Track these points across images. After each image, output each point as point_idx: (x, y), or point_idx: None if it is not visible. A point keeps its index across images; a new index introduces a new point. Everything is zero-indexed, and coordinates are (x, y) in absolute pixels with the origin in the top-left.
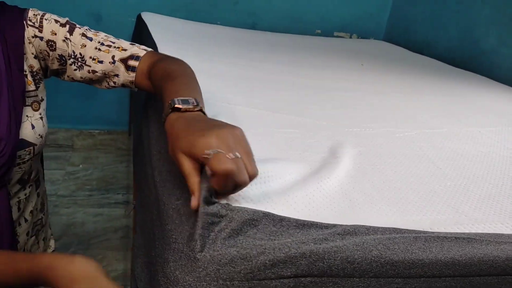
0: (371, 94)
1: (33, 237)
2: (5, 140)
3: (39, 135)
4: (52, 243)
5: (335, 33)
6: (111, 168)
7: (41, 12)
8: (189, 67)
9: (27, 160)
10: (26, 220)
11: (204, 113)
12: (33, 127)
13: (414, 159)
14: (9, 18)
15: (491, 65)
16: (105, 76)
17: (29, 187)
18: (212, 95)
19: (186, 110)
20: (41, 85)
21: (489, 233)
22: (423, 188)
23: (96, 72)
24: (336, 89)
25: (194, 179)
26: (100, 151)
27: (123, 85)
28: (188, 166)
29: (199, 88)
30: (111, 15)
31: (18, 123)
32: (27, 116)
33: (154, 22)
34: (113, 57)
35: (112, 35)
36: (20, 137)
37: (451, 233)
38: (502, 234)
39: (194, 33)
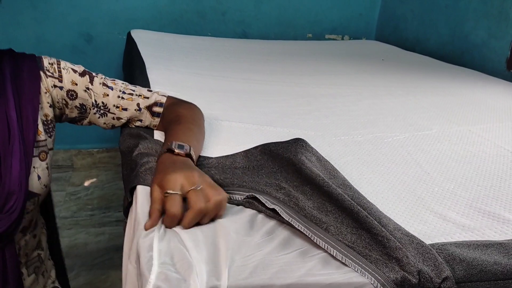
0: (363, 98)
1: (33, 275)
2: (17, 195)
3: (44, 185)
4: (53, 273)
5: (327, 36)
6: (112, 186)
7: (55, 60)
8: (199, 112)
9: (31, 210)
10: (20, 263)
11: (193, 159)
12: (39, 177)
13: (402, 164)
14: (24, 67)
15: (482, 59)
16: (129, 121)
17: (29, 233)
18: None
19: (178, 154)
20: (54, 134)
21: None
22: (411, 197)
23: (121, 119)
24: (327, 95)
25: (155, 206)
26: (100, 169)
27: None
28: (156, 195)
29: (201, 134)
30: (101, 34)
31: (28, 175)
32: (33, 167)
33: (144, 39)
34: (138, 104)
35: (104, 54)
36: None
37: None
38: None
39: (184, 47)
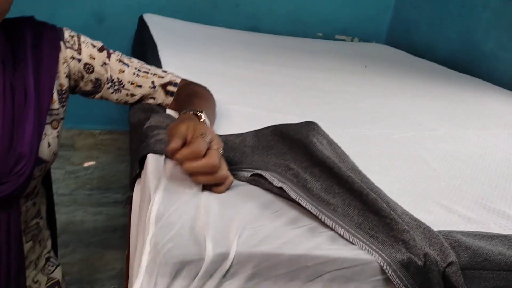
0: (371, 96)
1: (30, 242)
2: (27, 158)
3: (53, 153)
4: (49, 243)
5: (337, 36)
6: (111, 168)
7: (75, 33)
8: (210, 94)
9: (37, 177)
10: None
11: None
12: (49, 145)
13: (408, 160)
14: (45, 36)
15: (490, 69)
16: (142, 99)
17: (30, 200)
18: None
19: (194, 114)
20: (66, 104)
21: None
22: (416, 190)
23: (135, 95)
24: (336, 91)
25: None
26: (100, 151)
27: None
28: (181, 130)
29: (213, 111)
30: (113, 16)
31: (39, 141)
32: (45, 134)
33: (156, 24)
34: (152, 82)
35: (115, 36)
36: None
37: None
38: None
39: (196, 35)
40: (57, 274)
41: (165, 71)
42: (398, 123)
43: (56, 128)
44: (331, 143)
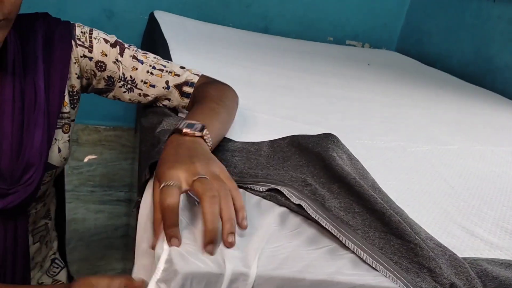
0: (382, 105)
1: (37, 243)
2: (36, 167)
3: (64, 158)
4: (55, 244)
5: (347, 42)
6: (115, 165)
7: (87, 29)
8: (231, 93)
9: (47, 182)
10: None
11: (205, 140)
12: (59, 150)
13: (426, 176)
14: (56, 34)
15: (504, 82)
16: (156, 99)
17: (40, 202)
18: None
19: (185, 134)
20: (78, 106)
21: None
22: (436, 208)
23: (148, 96)
24: (349, 98)
25: (156, 216)
26: (104, 147)
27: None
28: (156, 196)
29: (228, 114)
30: (123, 12)
31: (49, 147)
32: (55, 139)
33: (166, 21)
34: (167, 82)
35: (124, 32)
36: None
37: None
38: None
39: (206, 34)
40: (62, 276)
41: (183, 68)
42: (413, 136)
43: (67, 132)
44: (351, 157)
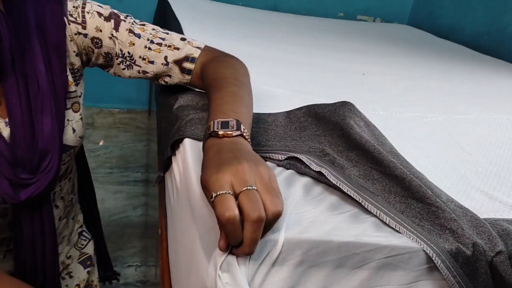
0: (397, 78)
1: (64, 219)
2: (52, 152)
3: (80, 137)
4: (80, 217)
5: (358, 17)
6: (130, 147)
7: (80, 2)
8: (242, 66)
9: (68, 161)
10: (57, 207)
11: (244, 136)
12: (73, 130)
13: (443, 144)
14: (47, 12)
15: None
16: (156, 76)
17: (64, 179)
18: None
19: (224, 136)
20: (81, 81)
21: None
22: (455, 174)
23: (147, 73)
24: (361, 72)
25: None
26: (119, 130)
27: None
28: (213, 207)
29: (249, 95)
30: None
31: (61, 130)
32: (68, 120)
33: (177, 1)
34: (165, 58)
35: (134, 13)
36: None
37: None
38: None
39: (216, 13)
40: (89, 249)
41: (184, 39)
42: (429, 106)
43: (78, 111)
44: (368, 124)
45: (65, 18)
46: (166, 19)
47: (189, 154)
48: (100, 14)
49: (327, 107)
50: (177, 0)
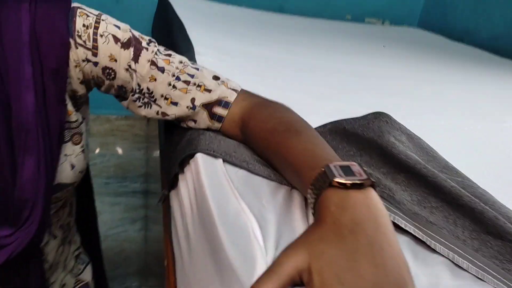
0: (416, 82)
1: (61, 247)
2: (32, 202)
3: (80, 171)
4: (77, 238)
5: (366, 19)
6: (128, 155)
7: (92, 19)
8: (297, 114)
9: (63, 198)
10: (55, 237)
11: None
12: (72, 167)
13: (492, 157)
14: (49, 27)
15: None
16: (178, 120)
17: (62, 209)
18: (248, 76)
19: (353, 185)
20: (85, 105)
21: None
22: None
23: (167, 115)
24: (379, 77)
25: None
26: (117, 137)
27: None
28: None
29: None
30: None
31: (51, 172)
32: (65, 155)
33: (178, 2)
34: (192, 100)
35: (132, 15)
36: (55, 183)
37: None
38: None
39: (220, 14)
40: (87, 275)
41: (217, 77)
42: (461, 113)
43: (78, 143)
44: (412, 137)
45: (71, 39)
46: (168, 21)
47: (202, 171)
48: (116, 39)
49: (357, 122)
50: (178, 1)
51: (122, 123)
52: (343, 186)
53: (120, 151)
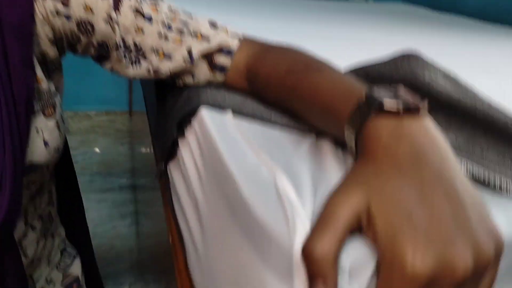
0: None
1: (42, 240)
2: None
3: (55, 148)
4: (62, 230)
5: None
6: (112, 152)
7: None
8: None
9: (38, 181)
10: (34, 229)
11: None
12: (46, 144)
13: None
14: None
15: None
16: (172, 77)
17: (38, 196)
18: None
19: (407, 110)
20: (58, 73)
21: None
22: None
23: (160, 71)
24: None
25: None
26: (98, 134)
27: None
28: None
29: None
30: None
31: (21, 145)
32: (36, 129)
33: None
34: (189, 50)
35: None
36: (27, 161)
37: None
38: None
39: None
40: (75, 269)
41: (214, 24)
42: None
43: (51, 115)
44: (447, 76)
45: None
46: None
47: (212, 130)
48: None
49: (384, 67)
50: None
51: (102, 118)
52: (394, 113)
53: (102, 147)
